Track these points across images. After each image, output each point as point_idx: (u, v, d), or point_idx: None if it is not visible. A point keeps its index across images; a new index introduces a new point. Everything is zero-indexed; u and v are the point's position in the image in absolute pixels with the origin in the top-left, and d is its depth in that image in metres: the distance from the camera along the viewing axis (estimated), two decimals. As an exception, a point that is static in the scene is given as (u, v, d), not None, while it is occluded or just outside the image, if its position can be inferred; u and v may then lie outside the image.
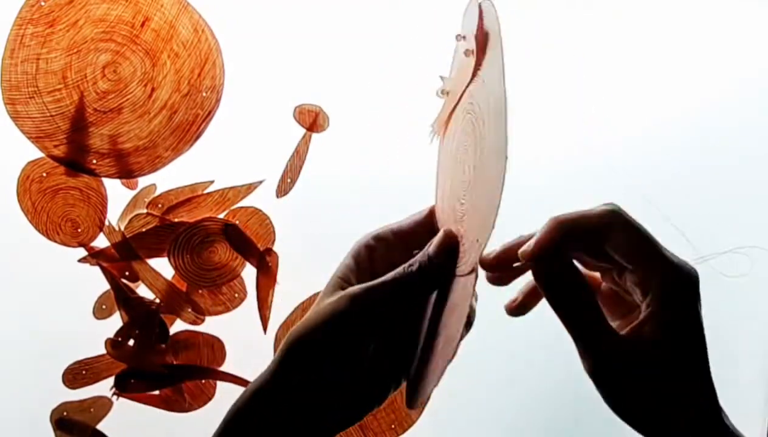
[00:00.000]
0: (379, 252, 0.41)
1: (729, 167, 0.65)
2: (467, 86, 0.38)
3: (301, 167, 0.60)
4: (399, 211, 0.61)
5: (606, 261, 0.38)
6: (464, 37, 0.38)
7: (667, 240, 0.38)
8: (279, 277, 0.60)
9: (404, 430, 0.61)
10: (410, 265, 0.37)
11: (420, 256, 0.38)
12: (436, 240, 0.38)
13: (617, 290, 0.40)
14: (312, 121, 0.60)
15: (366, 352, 0.37)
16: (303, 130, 0.60)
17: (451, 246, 0.37)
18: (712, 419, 0.37)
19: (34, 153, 0.56)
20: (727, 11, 0.63)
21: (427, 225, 0.41)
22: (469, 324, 0.40)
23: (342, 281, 0.39)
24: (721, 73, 0.64)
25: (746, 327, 0.67)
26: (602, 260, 0.38)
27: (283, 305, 0.60)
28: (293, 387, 0.37)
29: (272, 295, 0.60)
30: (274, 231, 0.60)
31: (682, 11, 0.63)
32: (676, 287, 0.37)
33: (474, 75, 0.37)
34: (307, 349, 0.37)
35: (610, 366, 0.38)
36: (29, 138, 0.55)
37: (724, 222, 0.64)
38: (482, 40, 0.37)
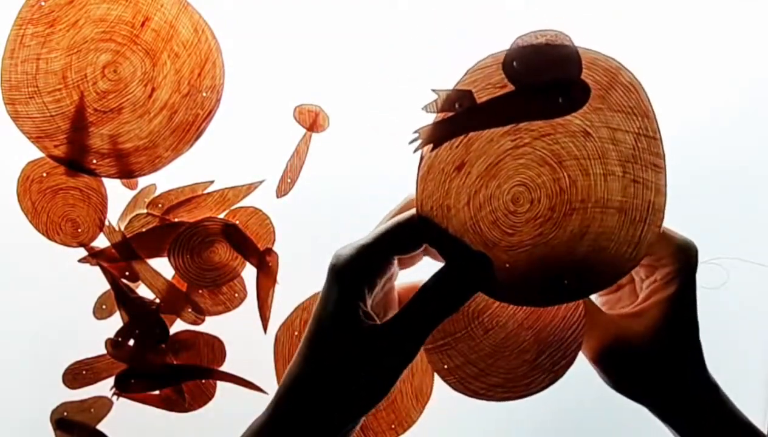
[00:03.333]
0: None
1: (729, 167, 0.65)
2: None
3: (301, 167, 0.60)
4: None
5: None
6: None
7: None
8: (279, 277, 0.60)
9: (404, 430, 0.61)
10: None
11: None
12: None
13: None
14: (312, 121, 0.60)
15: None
16: (303, 130, 0.60)
17: None
18: (702, 378, 0.39)
19: (34, 153, 0.56)
20: (728, 11, 0.63)
21: None
22: None
23: None
24: (723, 74, 0.64)
25: (747, 327, 0.67)
26: None
27: (283, 305, 0.60)
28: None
29: (272, 295, 0.60)
30: (274, 231, 0.60)
31: (682, 11, 0.63)
32: (682, 266, 0.39)
33: None
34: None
35: (606, 350, 0.39)
36: (29, 138, 0.55)
37: (726, 224, 0.64)
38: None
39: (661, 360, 0.39)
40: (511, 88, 0.37)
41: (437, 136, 0.39)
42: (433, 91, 0.38)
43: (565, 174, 0.38)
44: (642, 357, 0.39)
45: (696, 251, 0.40)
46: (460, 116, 0.38)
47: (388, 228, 0.39)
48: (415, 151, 0.39)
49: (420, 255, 0.43)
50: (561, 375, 0.42)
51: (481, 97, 0.38)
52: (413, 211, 0.40)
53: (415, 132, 0.39)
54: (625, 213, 0.37)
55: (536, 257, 0.38)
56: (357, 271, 0.38)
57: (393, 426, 0.60)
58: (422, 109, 0.38)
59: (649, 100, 0.38)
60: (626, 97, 0.38)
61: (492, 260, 0.38)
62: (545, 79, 0.37)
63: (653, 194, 0.38)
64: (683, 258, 0.39)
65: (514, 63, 0.37)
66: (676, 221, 0.46)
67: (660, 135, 0.38)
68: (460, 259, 0.38)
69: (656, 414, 0.41)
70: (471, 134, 0.38)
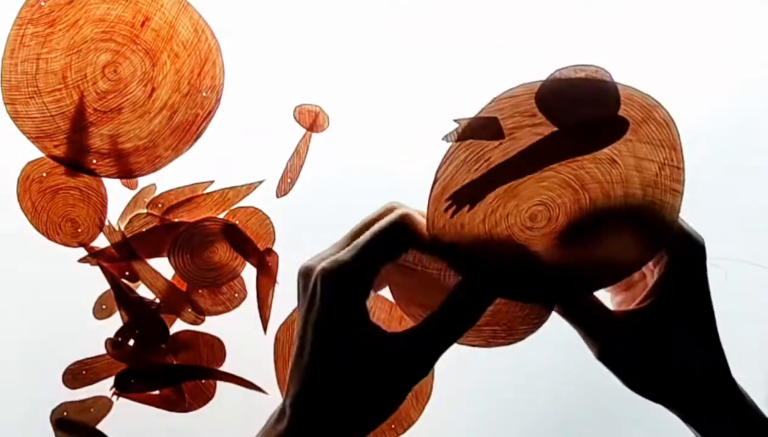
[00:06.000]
0: None
1: (729, 167, 0.65)
2: None
3: (301, 167, 0.60)
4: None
5: None
6: None
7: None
8: (279, 277, 0.60)
9: (404, 430, 0.61)
10: None
11: None
12: None
13: None
14: (312, 121, 0.60)
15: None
16: (303, 130, 0.60)
17: None
18: (721, 377, 0.39)
19: (34, 153, 0.56)
20: (727, 11, 0.63)
21: None
22: None
23: None
24: (723, 72, 0.64)
25: (747, 328, 0.67)
26: None
27: (283, 305, 0.60)
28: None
29: (272, 295, 0.60)
30: (274, 232, 0.60)
31: (682, 11, 0.63)
32: (687, 256, 0.39)
33: None
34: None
35: (614, 349, 0.39)
36: (29, 138, 0.55)
37: (726, 225, 0.64)
38: None
39: (665, 355, 0.39)
40: (540, 117, 0.38)
41: (474, 194, 0.38)
42: (455, 121, 0.38)
43: (586, 195, 0.38)
44: (644, 354, 0.39)
45: (698, 244, 0.39)
46: (497, 169, 0.38)
47: (375, 235, 0.38)
48: (452, 214, 0.39)
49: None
50: (490, 346, 0.43)
51: (507, 125, 0.38)
52: (393, 215, 0.39)
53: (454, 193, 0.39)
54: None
55: (547, 261, 0.39)
56: (358, 283, 0.37)
57: (393, 426, 0.60)
58: (442, 139, 0.38)
59: (678, 135, 0.39)
60: (657, 132, 0.38)
61: (506, 273, 0.39)
62: (581, 113, 0.38)
63: (667, 214, 0.39)
64: (682, 249, 0.39)
65: (550, 95, 0.37)
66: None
67: (684, 164, 0.39)
68: (477, 273, 0.38)
69: (675, 413, 0.40)
70: (491, 158, 0.38)
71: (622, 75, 0.64)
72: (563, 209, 0.38)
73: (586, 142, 0.38)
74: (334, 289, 0.37)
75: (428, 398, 0.60)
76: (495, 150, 0.38)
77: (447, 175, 0.39)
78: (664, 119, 0.38)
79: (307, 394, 0.37)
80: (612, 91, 0.38)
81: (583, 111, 0.37)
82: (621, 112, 0.38)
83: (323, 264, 0.37)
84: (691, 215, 0.65)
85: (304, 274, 0.38)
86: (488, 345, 0.43)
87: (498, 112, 0.38)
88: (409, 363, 0.37)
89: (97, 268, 0.59)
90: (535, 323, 0.42)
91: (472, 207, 0.39)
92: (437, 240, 0.39)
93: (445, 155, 0.38)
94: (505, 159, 0.38)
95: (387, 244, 0.38)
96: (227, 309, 0.61)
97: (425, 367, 0.38)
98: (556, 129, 0.37)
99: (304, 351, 0.37)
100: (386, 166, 0.61)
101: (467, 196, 0.38)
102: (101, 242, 0.59)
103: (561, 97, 0.37)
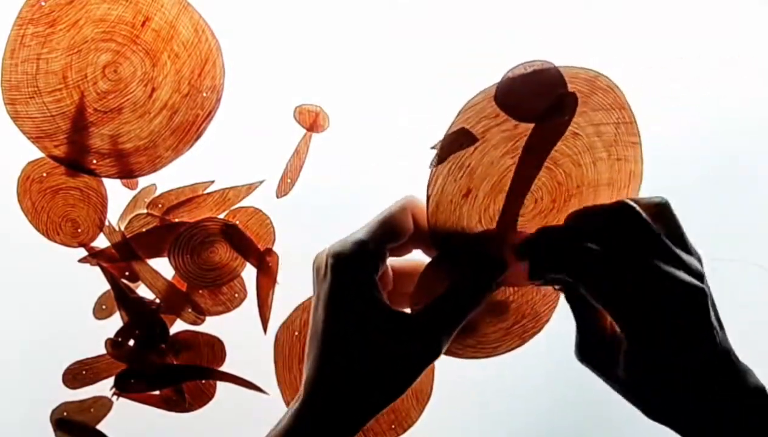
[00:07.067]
0: None
1: (729, 167, 0.65)
2: None
3: (301, 167, 0.60)
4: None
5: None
6: None
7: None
8: (279, 277, 0.60)
9: (404, 430, 0.61)
10: None
11: None
12: None
13: None
14: (312, 121, 0.60)
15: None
16: (303, 130, 0.60)
17: None
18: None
19: (34, 153, 0.56)
20: (727, 11, 0.63)
21: None
22: None
23: None
24: (721, 73, 0.64)
25: (747, 328, 0.67)
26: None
27: (283, 305, 0.60)
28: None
29: (272, 295, 0.60)
30: (274, 232, 0.60)
31: (682, 12, 0.63)
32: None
33: None
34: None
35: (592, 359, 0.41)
36: (29, 138, 0.55)
37: (727, 224, 0.64)
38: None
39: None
40: (503, 116, 0.41)
41: (508, 222, 0.43)
42: (432, 148, 0.42)
43: (560, 170, 0.42)
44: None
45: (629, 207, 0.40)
46: (510, 191, 0.42)
47: (382, 217, 0.42)
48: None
49: (409, 249, 0.44)
50: (527, 341, 0.47)
51: (477, 130, 0.41)
52: (401, 200, 0.43)
53: None
54: (612, 185, 0.43)
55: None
56: (368, 260, 0.39)
57: (393, 426, 0.61)
58: (429, 167, 0.42)
59: (623, 95, 0.43)
60: (605, 98, 0.42)
61: (508, 262, 0.42)
62: (537, 102, 0.41)
63: (633, 164, 0.43)
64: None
65: (506, 94, 0.41)
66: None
67: (635, 117, 0.43)
68: (483, 266, 0.41)
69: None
70: (471, 163, 0.42)
71: (623, 75, 0.64)
72: (545, 188, 0.42)
73: (555, 126, 0.42)
74: (344, 266, 0.38)
75: (428, 398, 0.60)
76: (472, 155, 0.41)
77: (436, 190, 0.42)
78: (608, 85, 0.42)
79: (319, 372, 0.38)
80: (557, 74, 0.42)
81: (537, 99, 0.41)
82: (570, 90, 0.42)
83: (333, 244, 0.39)
84: (693, 215, 0.65)
85: (317, 259, 0.40)
86: (524, 341, 0.47)
87: (465, 123, 0.41)
88: (419, 343, 0.38)
89: (97, 268, 0.59)
90: (553, 298, 0.45)
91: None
92: (438, 240, 0.42)
93: (430, 175, 0.42)
94: (508, 173, 0.42)
95: (393, 225, 0.41)
96: (227, 310, 0.61)
97: (435, 348, 0.39)
98: (518, 122, 0.41)
99: (318, 331, 0.38)
100: (386, 166, 0.61)
101: (506, 222, 0.42)
102: (101, 242, 0.59)
103: (516, 93, 0.41)
